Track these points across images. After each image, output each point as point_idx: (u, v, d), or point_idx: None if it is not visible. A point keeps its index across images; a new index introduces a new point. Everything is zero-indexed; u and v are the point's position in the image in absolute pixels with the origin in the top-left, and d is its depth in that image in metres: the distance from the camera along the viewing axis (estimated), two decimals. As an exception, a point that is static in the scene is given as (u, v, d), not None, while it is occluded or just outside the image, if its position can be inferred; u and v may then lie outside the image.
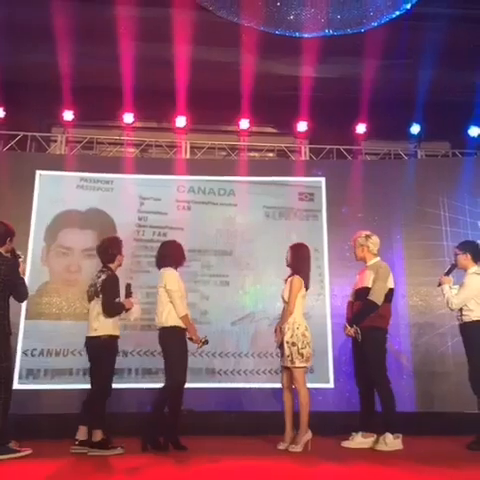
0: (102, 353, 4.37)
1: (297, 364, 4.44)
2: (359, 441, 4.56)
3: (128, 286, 4.66)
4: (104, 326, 4.38)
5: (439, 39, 6.01)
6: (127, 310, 4.54)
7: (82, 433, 4.29)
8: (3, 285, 4.20)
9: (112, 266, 4.58)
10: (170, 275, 4.58)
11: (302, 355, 4.41)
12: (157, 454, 4.23)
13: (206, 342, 4.57)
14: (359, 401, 4.73)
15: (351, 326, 4.61)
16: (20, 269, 4.37)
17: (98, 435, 4.22)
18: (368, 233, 4.86)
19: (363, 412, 4.71)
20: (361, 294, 4.66)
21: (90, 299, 4.51)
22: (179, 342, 4.48)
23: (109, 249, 4.61)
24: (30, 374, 5.66)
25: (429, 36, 6.05)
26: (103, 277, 4.46)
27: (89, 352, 4.46)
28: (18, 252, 4.48)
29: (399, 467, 3.86)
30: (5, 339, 4.19)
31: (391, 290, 4.70)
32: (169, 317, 4.47)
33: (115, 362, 4.50)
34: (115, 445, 4.27)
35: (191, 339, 4.55)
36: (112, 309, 4.40)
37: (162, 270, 4.65)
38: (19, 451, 4.10)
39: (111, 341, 4.41)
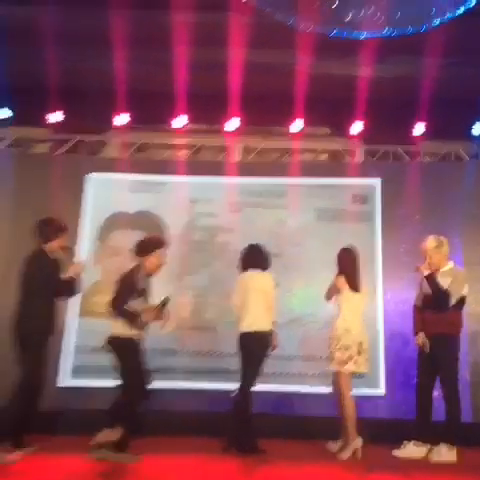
0: (118, 352, 4.14)
1: (329, 366, 4.36)
2: (411, 450, 4.41)
3: (165, 300, 4.33)
4: (120, 327, 4.13)
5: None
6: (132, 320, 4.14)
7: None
8: (40, 284, 4.22)
9: (143, 260, 4.29)
10: (269, 279, 4.60)
11: (333, 358, 4.32)
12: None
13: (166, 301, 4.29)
14: (416, 409, 4.57)
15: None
16: (70, 269, 4.36)
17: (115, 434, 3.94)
18: (438, 237, 4.73)
19: (419, 421, 4.54)
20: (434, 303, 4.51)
21: None
22: (265, 347, 4.47)
23: (145, 241, 4.41)
24: (83, 371, 5.79)
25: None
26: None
27: (110, 351, 4.22)
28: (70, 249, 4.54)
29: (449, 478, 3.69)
30: (39, 339, 4.15)
31: (464, 298, 4.57)
32: (260, 321, 4.43)
33: (137, 362, 4.18)
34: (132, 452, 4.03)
35: (272, 344, 4.56)
36: (117, 308, 4.10)
37: (257, 273, 4.59)
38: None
39: (129, 342, 4.13)
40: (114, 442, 3.91)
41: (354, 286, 4.47)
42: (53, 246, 4.42)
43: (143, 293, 4.26)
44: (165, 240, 4.61)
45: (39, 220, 4.47)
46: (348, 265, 4.57)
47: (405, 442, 4.46)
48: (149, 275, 4.37)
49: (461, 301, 4.56)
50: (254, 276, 4.55)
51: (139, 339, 4.21)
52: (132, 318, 4.08)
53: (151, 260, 4.31)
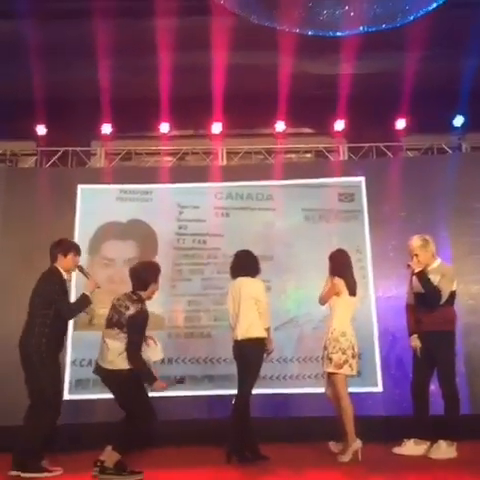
0: (121, 387, 3.99)
1: (325, 368, 4.39)
2: (411, 448, 4.44)
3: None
4: (120, 361, 3.96)
5: (480, 26, 5.80)
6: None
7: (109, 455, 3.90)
8: (46, 303, 4.19)
9: (143, 294, 4.13)
10: (260, 286, 4.60)
11: (331, 360, 4.35)
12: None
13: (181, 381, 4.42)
14: (413, 406, 4.61)
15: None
16: (88, 286, 4.33)
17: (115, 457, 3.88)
18: (423, 236, 4.72)
19: (417, 418, 4.58)
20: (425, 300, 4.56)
21: (110, 326, 4.06)
22: (261, 353, 4.48)
23: (141, 274, 4.17)
24: (79, 384, 5.78)
25: (471, 24, 5.83)
26: (132, 312, 3.99)
27: (108, 385, 4.06)
28: (86, 270, 4.51)
29: (451, 477, 3.74)
30: (37, 356, 4.09)
31: (454, 293, 4.62)
32: (254, 328, 4.44)
33: (144, 391, 4.08)
34: (134, 470, 3.94)
35: (266, 350, 4.54)
36: (135, 356, 3.94)
37: (247, 280, 4.58)
38: (50, 471, 4.01)
39: (130, 374, 3.96)
40: (117, 462, 3.89)
41: (352, 290, 4.51)
42: (64, 265, 4.37)
43: None
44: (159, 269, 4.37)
45: (52, 243, 4.47)
46: (343, 268, 4.58)
47: (405, 440, 4.50)
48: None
49: (451, 296, 4.59)
50: (245, 284, 4.56)
51: None
52: (147, 372, 3.99)
53: (148, 293, 4.19)
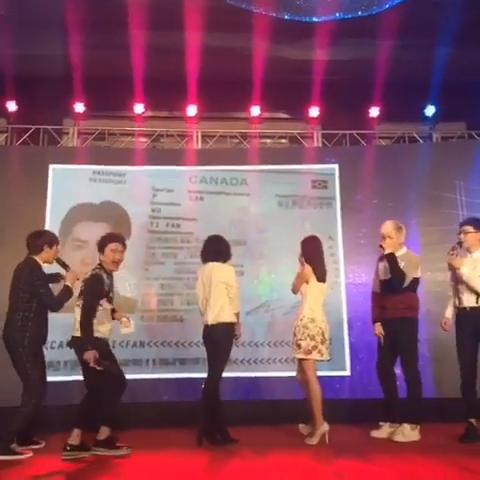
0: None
1: (295, 354, 4.49)
2: (387, 431, 4.58)
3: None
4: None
5: (454, 17, 5.86)
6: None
7: (75, 437, 4.05)
8: (28, 296, 4.19)
9: (101, 258, 4.35)
10: (231, 271, 4.62)
11: (299, 346, 4.43)
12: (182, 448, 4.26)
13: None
14: (382, 390, 4.74)
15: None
16: (69, 278, 4.35)
17: (104, 433, 4.13)
18: (398, 223, 4.82)
19: (386, 401, 4.73)
20: (389, 285, 4.65)
21: (78, 298, 4.30)
22: (231, 337, 4.53)
23: (99, 242, 4.41)
24: (51, 366, 5.72)
25: (444, 14, 5.89)
26: (87, 275, 4.28)
27: (77, 354, 4.24)
28: (65, 262, 4.48)
29: (415, 459, 3.87)
30: (26, 350, 4.12)
31: (417, 280, 4.73)
32: (224, 313, 4.48)
33: (111, 359, 4.28)
34: (121, 445, 4.18)
35: (235, 334, 4.59)
36: (84, 323, 4.12)
37: (217, 265, 4.60)
38: (20, 453, 4.05)
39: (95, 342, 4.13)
40: (103, 438, 4.12)
41: (321, 277, 4.58)
42: (45, 257, 4.35)
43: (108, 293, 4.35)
44: (118, 235, 4.56)
45: (29, 234, 4.40)
46: (314, 254, 4.63)
47: (381, 423, 4.64)
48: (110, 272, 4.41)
49: (415, 283, 4.70)
50: (215, 269, 4.58)
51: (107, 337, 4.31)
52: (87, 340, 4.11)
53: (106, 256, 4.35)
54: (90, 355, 4.03)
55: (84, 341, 4.09)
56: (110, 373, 4.15)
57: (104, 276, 4.28)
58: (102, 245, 4.38)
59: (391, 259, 4.66)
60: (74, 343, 4.25)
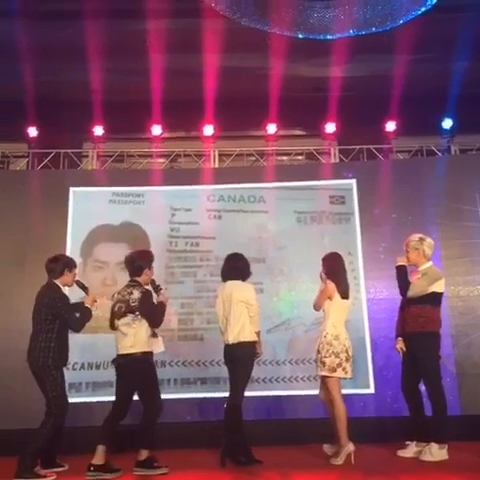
0: (141, 369, 4.29)
1: (319, 372, 4.42)
2: (414, 450, 4.48)
3: (153, 281, 4.54)
4: (140, 342, 4.29)
5: (469, 30, 5.86)
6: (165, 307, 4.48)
7: (99, 456, 4.07)
8: (51, 318, 4.28)
9: (140, 280, 4.45)
10: (251, 289, 4.60)
11: (324, 364, 4.36)
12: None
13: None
14: (408, 408, 4.64)
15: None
16: (88, 299, 4.47)
17: (144, 454, 4.18)
18: (422, 236, 4.76)
19: (412, 420, 4.62)
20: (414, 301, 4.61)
21: (121, 316, 4.32)
22: (252, 356, 4.50)
23: (136, 262, 4.48)
24: (72, 387, 5.75)
25: (459, 27, 5.90)
26: (137, 295, 4.31)
27: (123, 370, 4.32)
28: (84, 284, 4.60)
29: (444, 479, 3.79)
30: (48, 371, 4.21)
31: (439, 294, 4.64)
32: (245, 332, 4.46)
33: (156, 376, 4.43)
34: (161, 464, 4.22)
35: (256, 353, 4.57)
36: (159, 319, 4.38)
37: (237, 284, 4.59)
38: (44, 476, 4.08)
39: (147, 357, 4.34)
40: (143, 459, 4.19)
41: (344, 293, 4.53)
42: (65, 280, 4.48)
43: None
44: (151, 255, 4.69)
45: (47, 259, 4.52)
46: (336, 271, 4.59)
47: (408, 442, 4.54)
48: None
49: (433, 297, 4.60)
50: (235, 287, 4.56)
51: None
52: (164, 309, 4.44)
53: (144, 279, 4.48)
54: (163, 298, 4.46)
55: (163, 311, 4.39)
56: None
57: None
58: (147, 264, 4.49)
59: (399, 271, 4.68)
60: (123, 360, 4.31)
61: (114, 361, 4.38)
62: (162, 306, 4.46)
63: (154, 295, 4.50)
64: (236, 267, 4.66)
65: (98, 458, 4.07)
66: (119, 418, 4.27)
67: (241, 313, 4.48)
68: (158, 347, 4.44)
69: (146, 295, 4.36)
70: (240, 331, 4.45)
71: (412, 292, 4.57)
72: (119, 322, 4.34)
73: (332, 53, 6.17)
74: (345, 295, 4.54)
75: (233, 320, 4.48)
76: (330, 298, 4.50)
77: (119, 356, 4.34)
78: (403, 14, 5.28)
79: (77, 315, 4.41)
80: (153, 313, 4.35)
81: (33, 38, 5.95)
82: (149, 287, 4.49)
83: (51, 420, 4.15)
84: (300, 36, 5.59)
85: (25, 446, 4.07)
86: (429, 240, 4.74)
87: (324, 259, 4.71)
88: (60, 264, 4.47)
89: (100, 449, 4.09)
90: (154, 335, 4.42)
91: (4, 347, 5.63)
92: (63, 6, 5.72)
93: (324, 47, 5.87)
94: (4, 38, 5.87)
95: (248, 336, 4.46)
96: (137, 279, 4.44)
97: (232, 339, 4.46)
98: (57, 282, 4.43)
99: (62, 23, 5.87)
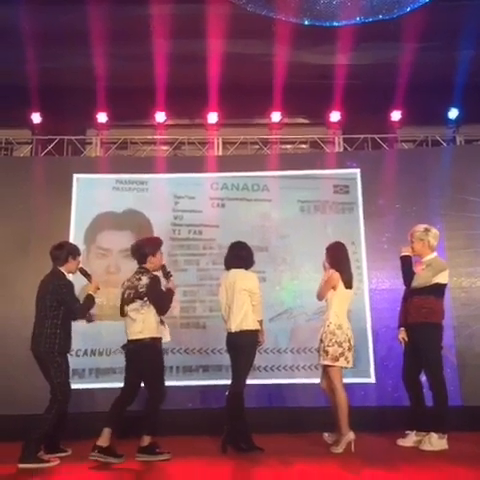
0: (149, 355, 4.33)
1: (322, 361, 4.44)
2: (414, 440, 4.51)
3: (164, 267, 4.59)
4: (149, 328, 4.33)
5: (476, 18, 5.80)
6: (173, 294, 4.52)
7: (104, 438, 4.12)
8: (56, 304, 4.30)
9: (147, 267, 4.48)
10: (254, 278, 4.62)
11: (327, 353, 4.38)
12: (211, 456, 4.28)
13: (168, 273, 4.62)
14: (409, 398, 4.66)
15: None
16: (91, 287, 4.50)
17: (146, 440, 4.22)
18: (427, 226, 4.75)
19: (412, 409, 4.65)
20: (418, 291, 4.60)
21: (130, 302, 4.39)
22: (254, 345, 4.52)
23: (140, 249, 4.53)
24: (76, 374, 5.79)
25: (466, 16, 5.83)
26: (146, 281, 4.36)
27: (133, 355, 4.37)
28: (87, 271, 4.63)
29: (444, 470, 3.81)
30: (53, 357, 4.24)
31: (443, 285, 4.64)
32: (248, 320, 4.48)
33: (163, 363, 4.47)
34: (163, 450, 4.27)
35: (258, 341, 4.58)
36: (166, 306, 4.42)
37: (241, 272, 4.60)
38: (47, 461, 4.12)
39: (155, 343, 4.37)
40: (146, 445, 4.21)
41: (348, 283, 4.53)
42: (69, 268, 4.50)
43: None
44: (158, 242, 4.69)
45: (52, 246, 4.53)
46: (340, 260, 4.59)
47: (408, 432, 4.57)
48: None
49: (436, 288, 4.60)
50: (239, 275, 4.57)
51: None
52: (172, 295, 4.50)
53: (149, 266, 4.50)
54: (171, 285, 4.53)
55: (170, 298, 4.45)
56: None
57: None
58: (153, 250, 4.52)
59: (403, 261, 4.67)
60: (132, 346, 4.36)
61: (124, 347, 4.43)
62: (170, 293, 4.50)
63: (163, 281, 4.52)
64: (239, 255, 4.67)
65: (103, 440, 4.12)
66: (127, 403, 4.32)
67: (244, 301, 4.50)
68: (164, 337, 4.47)
69: (154, 281, 4.39)
70: (243, 319, 4.47)
71: (416, 283, 4.57)
72: (128, 308, 4.40)
73: (338, 40, 6.10)
74: (349, 285, 4.55)
75: (236, 308, 4.49)
76: (334, 288, 4.50)
77: (129, 342, 4.38)
78: (410, 2, 5.22)
79: (80, 302, 4.44)
80: (160, 299, 4.39)
81: (36, 23, 5.90)
82: (159, 273, 4.52)
83: (55, 406, 4.19)
84: (306, 23, 5.53)
85: (29, 431, 4.11)
86: (434, 231, 4.73)
87: (328, 248, 4.71)
88: (64, 251, 4.49)
89: (106, 431, 4.14)
90: (162, 323, 4.46)
91: (7, 334, 5.68)
92: (66, -9, 5.68)
93: (330, 34, 5.80)
94: (7, 23, 5.83)
95: (251, 325, 4.48)
96: (144, 266, 4.48)
97: (235, 327, 4.48)
98: (62, 269, 4.45)
99: (65, 8, 5.80)
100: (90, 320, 4.63)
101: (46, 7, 5.81)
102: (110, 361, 5.85)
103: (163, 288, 4.49)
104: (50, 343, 4.25)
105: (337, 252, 4.66)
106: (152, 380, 4.33)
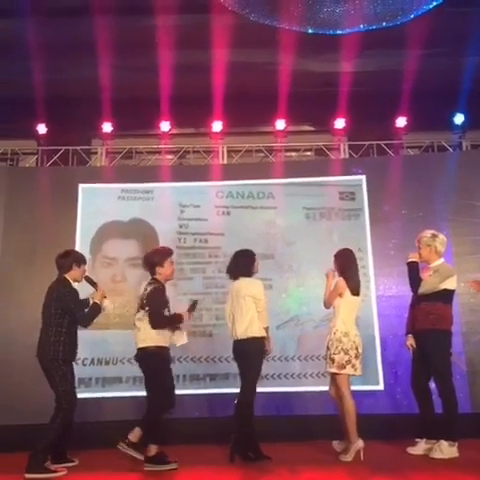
0: (153, 364, 4.33)
1: (328, 369, 4.41)
2: (424, 448, 4.45)
3: (194, 303, 4.64)
4: (151, 337, 4.33)
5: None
6: (179, 322, 4.49)
7: (135, 435, 4.19)
8: (60, 312, 4.30)
9: (158, 277, 4.50)
10: (258, 285, 4.59)
11: (333, 360, 4.35)
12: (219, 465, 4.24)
13: (195, 303, 4.64)
14: (418, 405, 4.60)
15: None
16: (97, 295, 4.48)
17: (153, 449, 4.19)
18: (434, 232, 4.72)
19: (421, 417, 4.59)
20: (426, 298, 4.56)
21: (137, 311, 4.47)
22: (261, 352, 4.49)
23: (147, 260, 4.57)
24: (82, 383, 5.77)
25: (470, 22, 5.84)
26: (149, 289, 4.42)
27: (140, 364, 4.42)
28: (93, 280, 4.62)
29: (454, 478, 3.76)
30: (58, 365, 4.23)
31: (451, 291, 4.60)
32: (254, 327, 4.45)
33: (170, 373, 4.42)
34: (170, 460, 4.23)
35: (266, 350, 4.55)
36: (158, 321, 4.36)
37: (245, 280, 4.58)
38: (53, 471, 4.08)
39: (160, 351, 4.35)
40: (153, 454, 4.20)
41: (355, 290, 4.50)
42: (74, 275, 4.50)
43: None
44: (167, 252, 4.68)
45: (57, 255, 4.55)
46: (349, 268, 4.57)
47: (418, 439, 4.51)
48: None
49: (445, 294, 4.55)
50: (243, 283, 4.56)
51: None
52: (171, 321, 4.44)
53: (159, 277, 4.54)
54: (186, 317, 4.50)
55: (171, 321, 4.41)
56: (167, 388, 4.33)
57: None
58: (161, 260, 4.53)
59: (409, 267, 4.65)
60: (139, 354, 4.40)
61: (135, 356, 4.46)
62: (95, 307, 4.43)
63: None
64: (239, 264, 4.65)
65: (134, 436, 4.16)
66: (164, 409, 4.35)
67: (249, 308, 4.47)
68: (182, 339, 4.52)
69: (153, 291, 4.40)
70: (248, 326, 4.44)
71: (423, 289, 4.54)
72: (135, 317, 4.46)
73: (342, 48, 6.12)
74: (356, 292, 4.51)
75: (241, 315, 4.47)
76: (341, 295, 4.47)
77: (137, 350, 4.42)
78: (414, 8, 5.22)
79: (86, 310, 4.43)
80: (153, 310, 4.36)
81: (42, 35, 5.95)
82: (170, 283, 4.69)
83: (60, 414, 4.17)
84: (310, 31, 5.55)
85: (36, 441, 4.09)
86: (441, 237, 4.70)
87: (336, 255, 4.68)
88: (69, 259, 4.50)
89: (136, 430, 4.18)
90: (176, 328, 4.49)
91: (13, 342, 5.68)
92: (72, 3, 5.73)
93: (334, 42, 5.82)
94: (13, 35, 5.90)
95: (256, 331, 4.45)
96: (154, 276, 4.52)
97: (240, 334, 4.46)
98: (67, 277, 4.46)
99: (70, 20, 5.87)
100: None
101: (51, 19, 5.88)
102: (116, 370, 5.84)
103: (91, 299, 4.47)
104: (54, 351, 4.24)
105: (345, 259, 4.63)
106: (152, 389, 4.32)
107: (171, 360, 4.52)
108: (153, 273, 4.52)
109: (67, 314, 4.31)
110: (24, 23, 5.79)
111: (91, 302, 4.48)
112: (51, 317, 4.31)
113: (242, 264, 4.65)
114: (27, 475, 3.96)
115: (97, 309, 4.46)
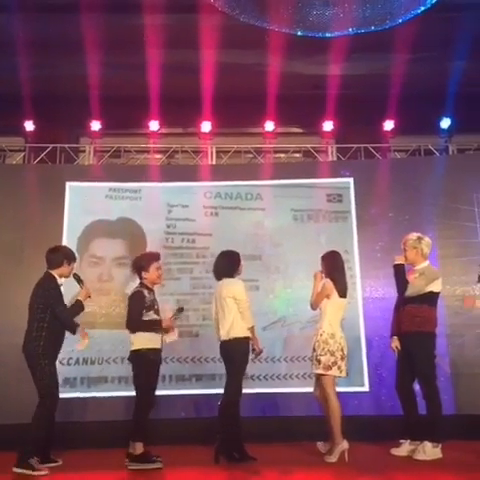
0: (139, 365, 4.37)
1: (314, 370, 4.43)
2: (408, 449, 4.48)
3: (181, 309, 4.70)
4: (139, 340, 4.38)
5: (468, 29, 5.86)
6: (162, 328, 4.49)
7: (138, 447, 4.24)
8: (42, 307, 4.28)
9: (144, 282, 4.55)
10: (239, 285, 4.59)
11: (319, 362, 4.37)
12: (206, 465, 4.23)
13: (181, 310, 4.69)
14: (402, 407, 4.64)
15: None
16: (82, 294, 4.44)
17: (139, 448, 4.19)
18: (419, 235, 4.77)
19: (405, 418, 4.62)
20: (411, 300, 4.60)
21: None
22: (245, 352, 4.49)
23: (134, 265, 4.65)
24: (67, 383, 5.73)
25: (458, 27, 5.90)
26: (130, 293, 4.55)
27: (132, 365, 4.47)
28: (81, 278, 4.56)
29: (438, 479, 3.80)
30: (38, 359, 4.21)
31: (436, 294, 4.64)
32: (236, 328, 4.46)
33: (155, 374, 4.44)
34: (156, 458, 4.24)
35: (254, 349, 4.56)
36: (134, 325, 4.41)
37: (227, 280, 4.61)
38: (39, 469, 4.05)
39: (148, 353, 4.37)
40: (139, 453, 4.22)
41: (342, 292, 4.53)
42: (62, 272, 4.47)
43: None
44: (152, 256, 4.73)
45: (48, 249, 4.52)
46: (336, 270, 4.59)
47: (402, 441, 4.54)
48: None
49: (430, 296, 4.60)
50: (225, 284, 4.58)
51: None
52: (149, 326, 4.40)
53: (145, 281, 4.57)
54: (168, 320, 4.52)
55: (148, 326, 4.39)
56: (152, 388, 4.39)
57: (145, 292, 4.49)
58: (146, 265, 4.57)
59: (396, 270, 4.69)
60: (130, 356, 4.47)
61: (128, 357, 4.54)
62: (78, 304, 4.41)
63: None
64: (224, 265, 4.68)
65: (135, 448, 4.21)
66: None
67: (231, 309, 4.49)
68: (172, 336, 4.60)
69: (131, 296, 4.51)
70: (231, 327, 4.46)
71: (409, 291, 4.58)
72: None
73: (331, 51, 6.15)
74: (343, 294, 4.54)
75: (224, 316, 4.50)
76: (328, 297, 4.50)
77: (130, 352, 4.48)
78: (403, 13, 5.27)
79: (66, 306, 4.39)
80: (128, 315, 4.44)
81: (30, 32, 5.92)
82: (158, 286, 4.72)
83: (42, 409, 4.14)
84: (299, 33, 5.57)
85: (23, 439, 4.06)
86: (427, 239, 4.75)
87: (323, 257, 4.71)
88: (59, 255, 4.48)
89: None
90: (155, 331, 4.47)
91: (0, 342, 5.62)
92: (60, 0, 5.70)
93: (323, 45, 5.86)
94: (1, 32, 5.85)
95: (239, 332, 4.45)
96: (141, 281, 4.57)
97: (224, 335, 4.48)
98: (54, 273, 4.42)
99: (59, 17, 5.84)
100: (74, 331, 4.45)
101: (40, 15, 5.84)
102: (102, 370, 5.81)
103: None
104: (35, 345, 4.23)
105: (332, 261, 4.66)
106: (138, 388, 4.36)
107: (160, 362, 4.50)
108: (140, 277, 4.57)
109: (48, 309, 4.29)
110: (12, 19, 5.75)
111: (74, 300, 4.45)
112: (34, 312, 4.31)
113: (225, 265, 4.67)
114: (14, 469, 3.98)
115: (79, 307, 4.42)
